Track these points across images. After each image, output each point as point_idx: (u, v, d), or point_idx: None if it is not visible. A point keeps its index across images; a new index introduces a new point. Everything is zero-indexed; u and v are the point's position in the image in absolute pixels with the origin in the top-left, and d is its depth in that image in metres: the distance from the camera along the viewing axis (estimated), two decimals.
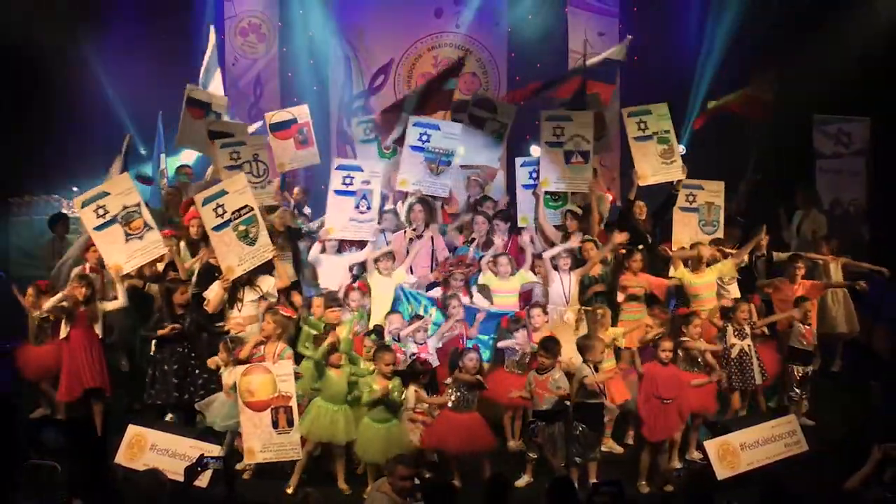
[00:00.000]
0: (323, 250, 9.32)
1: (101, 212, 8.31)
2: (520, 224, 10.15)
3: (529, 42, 14.62)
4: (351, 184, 9.43)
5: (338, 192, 9.43)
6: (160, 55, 12.76)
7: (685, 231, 9.62)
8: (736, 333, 8.32)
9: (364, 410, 7.46)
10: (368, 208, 9.40)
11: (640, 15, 14.40)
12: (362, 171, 9.52)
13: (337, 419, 7.41)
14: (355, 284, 8.89)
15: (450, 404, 7.52)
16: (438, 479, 6.99)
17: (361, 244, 9.50)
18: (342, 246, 9.47)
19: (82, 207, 8.36)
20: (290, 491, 7.39)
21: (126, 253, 8.39)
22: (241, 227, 8.46)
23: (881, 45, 11.75)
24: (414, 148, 9.96)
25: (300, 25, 14.59)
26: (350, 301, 8.52)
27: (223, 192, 8.45)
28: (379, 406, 7.34)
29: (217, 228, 8.40)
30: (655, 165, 9.68)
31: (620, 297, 8.79)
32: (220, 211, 8.40)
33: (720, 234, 9.67)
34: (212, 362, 7.93)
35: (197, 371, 8.16)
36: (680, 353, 7.84)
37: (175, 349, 8.14)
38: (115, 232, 8.37)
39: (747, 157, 11.92)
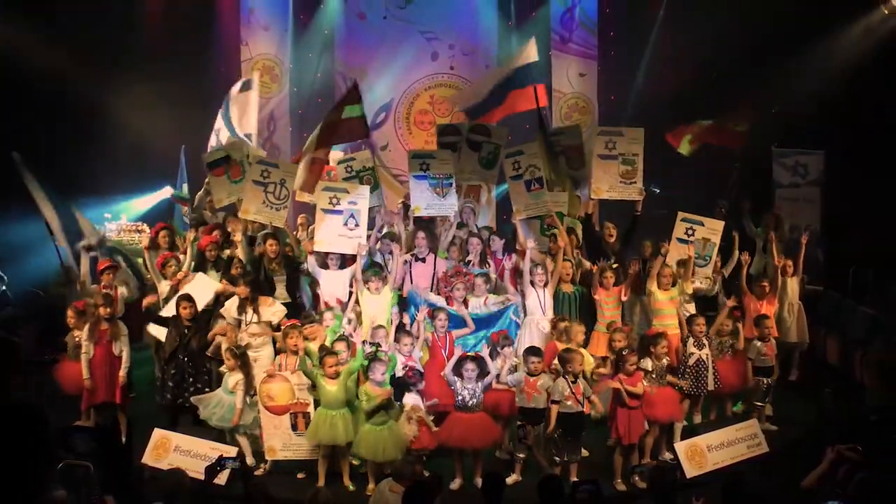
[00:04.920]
0: (325, 265, 9.28)
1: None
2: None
3: None
4: (338, 203, 9.39)
5: (325, 211, 9.39)
6: (184, 93, 12.93)
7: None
8: (695, 344, 8.45)
9: (364, 416, 7.50)
10: (357, 225, 9.33)
11: (617, 57, 14.67)
12: (348, 192, 9.49)
13: (336, 423, 7.46)
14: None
15: (459, 402, 7.55)
16: (422, 477, 7.01)
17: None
18: (346, 262, 9.33)
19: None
20: (320, 484, 7.43)
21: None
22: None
23: (835, 85, 11.94)
24: (418, 177, 9.90)
25: (309, 67, 14.84)
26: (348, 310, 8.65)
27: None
28: (378, 411, 7.39)
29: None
30: (613, 183, 9.70)
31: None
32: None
33: (709, 271, 9.48)
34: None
35: (192, 378, 8.32)
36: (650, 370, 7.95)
37: (178, 360, 8.31)
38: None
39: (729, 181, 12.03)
